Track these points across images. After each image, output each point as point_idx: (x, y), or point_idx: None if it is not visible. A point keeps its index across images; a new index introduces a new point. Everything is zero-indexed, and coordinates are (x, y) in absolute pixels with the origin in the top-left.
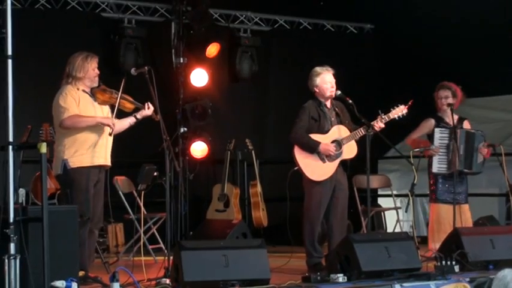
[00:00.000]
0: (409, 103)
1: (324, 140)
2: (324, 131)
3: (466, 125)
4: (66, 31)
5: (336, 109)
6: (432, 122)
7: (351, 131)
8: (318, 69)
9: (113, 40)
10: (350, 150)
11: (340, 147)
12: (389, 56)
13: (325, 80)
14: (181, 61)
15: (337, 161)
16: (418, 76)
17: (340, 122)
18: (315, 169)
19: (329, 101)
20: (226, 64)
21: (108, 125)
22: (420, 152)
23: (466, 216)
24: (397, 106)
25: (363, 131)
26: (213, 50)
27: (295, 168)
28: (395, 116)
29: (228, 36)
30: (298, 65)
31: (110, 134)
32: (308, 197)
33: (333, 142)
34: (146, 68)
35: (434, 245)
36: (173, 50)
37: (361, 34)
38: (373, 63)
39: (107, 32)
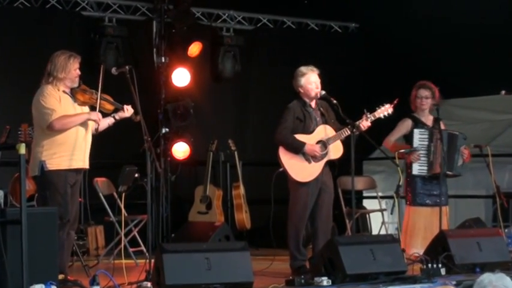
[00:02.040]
0: (395, 101)
1: (309, 140)
2: (309, 131)
3: (442, 126)
4: (45, 30)
5: (321, 109)
6: (409, 122)
7: (336, 131)
8: (303, 69)
9: (93, 39)
10: (336, 151)
11: (326, 148)
12: (375, 55)
13: (310, 80)
14: (163, 60)
15: (323, 162)
16: (404, 76)
17: (326, 122)
18: (300, 170)
19: (314, 100)
20: (208, 64)
21: (95, 120)
22: (405, 154)
23: (444, 219)
24: (383, 105)
25: (348, 131)
26: (195, 49)
27: (280, 169)
28: (381, 114)
29: (210, 35)
30: (281, 65)
31: (96, 130)
32: (293, 199)
33: (318, 142)
34: (127, 67)
35: (410, 249)
36: (154, 49)
37: (346, 33)
38: (358, 63)
39: (87, 30)
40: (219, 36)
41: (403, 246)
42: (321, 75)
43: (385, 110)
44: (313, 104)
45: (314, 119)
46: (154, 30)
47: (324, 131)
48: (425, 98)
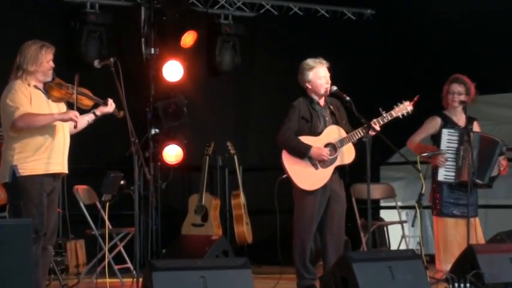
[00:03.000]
0: (415, 99)
1: (316, 142)
2: (316, 132)
3: (476, 126)
4: (19, 17)
5: (331, 107)
6: (438, 121)
7: (347, 133)
8: (310, 62)
9: (74, 27)
10: (347, 155)
11: (335, 151)
12: (393, 45)
13: (319, 75)
14: (153, 52)
15: (332, 167)
16: (426, 69)
17: (336, 122)
18: (306, 177)
19: (322, 98)
20: (204, 55)
21: (71, 119)
22: (428, 158)
23: (478, 232)
24: (401, 103)
25: (361, 132)
26: (189, 39)
27: (284, 176)
28: (399, 114)
29: (206, 24)
30: (287, 57)
31: (75, 127)
32: (298, 209)
33: (326, 145)
34: (112, 59)
35: (444, 265)
36: (143, 39)
37: (361, 21)
38: (373, 54)
39: (66, 18)
40: (217, 24)
41: (438, 262)
42: (330, 69)
43: (404, 109)
44: (321, 101)
45: (322, 118)
46: (143, 17)
47: (333, 132)
48: (457, 94)
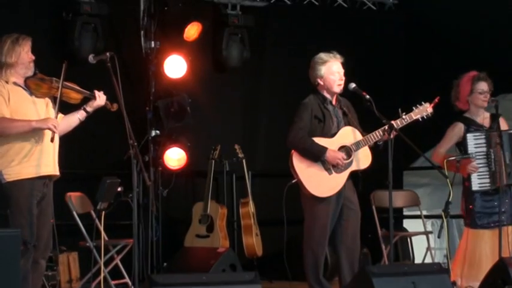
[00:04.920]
0: (435, 100)
1: (330, 145)
2: (329, 134)
3: (503, 123)
4: (5, 9)
5: (343, 108)
6: (461, 126)
7: (362, 135)
8: (323, 56)
9: (66, 19)
10: (362, 159)
11: (350, 156)
12: (416, 39)
13: (333, 70)
14: (153, 46)
15: (347, 173)
16: (452, 64)
17: (348, 123)
18: (318, 182)
19: (335, 96)
20: (209, 49)
21: (49, 129)
22: (457, 161)
23: (509, 239)
24: (421, 104)
25: (379, 134)
26: (193, 31)
27: (293, 180)
28: (418, 116)
29: (212, 14)
30: (300, 51)
31: (52, 140)
32: (309, 218)
33: (340, 148)
34: (108, 54)
35: (465, 281)
36: (142, 32)
37: (382, 11)
38: (396, 47)
39: (57, 8)
40: (223, 15)
41: (456, 276)
42: (348, 64)
43: (424, 111)
44: (333, 100)
45: (335, 119)
46: (142, 7)
47: (348, 134)
48: (487, 92)
